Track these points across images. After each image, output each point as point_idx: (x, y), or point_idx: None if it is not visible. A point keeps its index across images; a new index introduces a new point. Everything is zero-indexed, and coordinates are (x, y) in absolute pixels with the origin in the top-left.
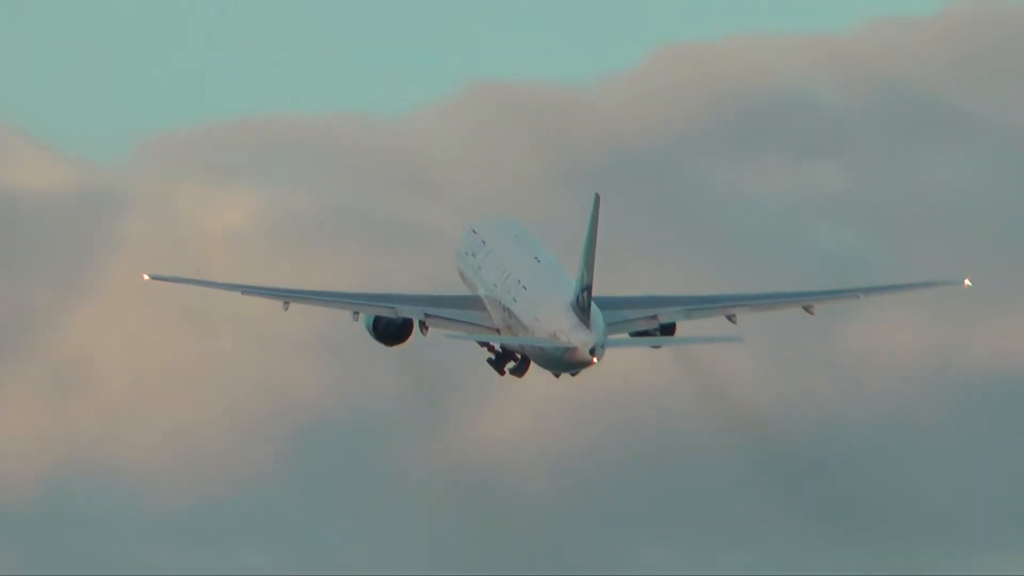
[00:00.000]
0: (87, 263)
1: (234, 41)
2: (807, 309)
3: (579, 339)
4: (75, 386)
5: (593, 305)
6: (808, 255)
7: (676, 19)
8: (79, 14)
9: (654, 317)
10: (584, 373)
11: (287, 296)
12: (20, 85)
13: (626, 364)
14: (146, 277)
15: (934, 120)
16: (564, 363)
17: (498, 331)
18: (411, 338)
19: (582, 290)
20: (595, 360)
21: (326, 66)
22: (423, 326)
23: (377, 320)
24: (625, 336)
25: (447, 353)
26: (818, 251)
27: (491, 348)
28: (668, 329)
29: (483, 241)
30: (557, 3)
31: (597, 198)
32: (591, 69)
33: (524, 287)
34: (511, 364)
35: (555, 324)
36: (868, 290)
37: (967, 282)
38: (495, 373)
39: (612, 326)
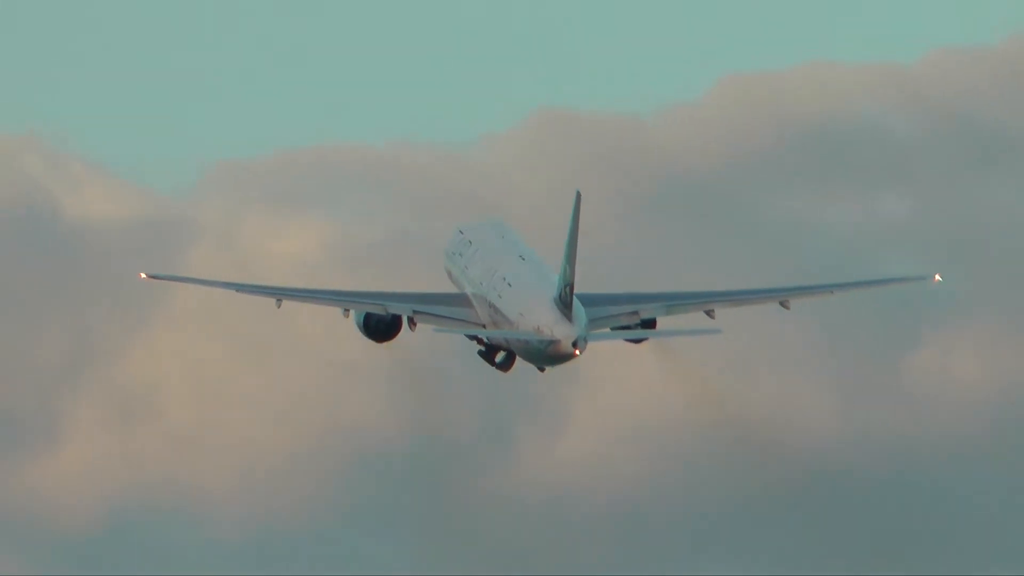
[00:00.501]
0: (155, 292)
1: (303, 70)
2: (783, 304)
3: (562, 332)
4: (143, 414)
5: (575, 300)
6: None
7: (741, 49)
8: (147, 45)
9: (635, 313)
10: (568, 365)
11: (280, 294)
12: (89, 115)
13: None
14: (143, 276)
15: (999, 149)
16: (548, 356)
17: (484, 326)
18: (400, 334)
19: (565, 286)
20: (577, 352)
21: (394, 95)
22: (411, 322)
23: (368, 317)
24: (607, 330)
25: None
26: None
27: (480, 341)
28: (649, 324)
29: (470, 241)
30: (624, 33)
31: (578, 196)
32: (658, 99)
33: (509, 284)
34: (501, 355)
35: (539, 318)
36: (841, 286)
37: (937, 277)
38: (487, 364)
39: (595, 321)
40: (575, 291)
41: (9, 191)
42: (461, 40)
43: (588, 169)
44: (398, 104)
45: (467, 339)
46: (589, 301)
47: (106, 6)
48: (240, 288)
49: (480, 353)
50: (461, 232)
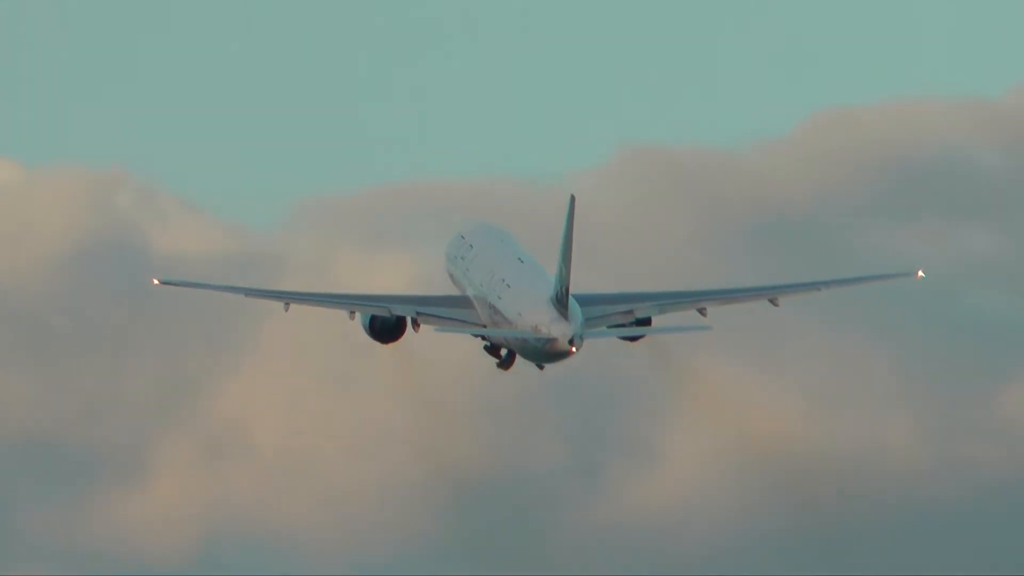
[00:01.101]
0: (243, 328)
1: (389, 107)
2: (772, 301)
3: (558, 331)
4: (233, 452)
5: (572, 300)
6: (961, 317)
7: (830, 84)
8: (237, 81)
9: (630, 312)
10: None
11: (287, 298)
12: (178, 151)
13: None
14: (156, 281)
15: None
16: (546, 353)
17: (485, 326)
18: (404, 336)
19: (561, 287)
20: (573, 350)
21: (481, 131)
22: (415, 323)
23: (373, 319)
24: (603, 328)
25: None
26: (970, 312)
27: (484, 338)
28: (643, 323)
29: (471, 245)
30: (713, 68)
31: (572, 199)
32: (746, 134)
33: (508, 285)
34: (502, 354)
35: (536, 318)
36: (828, 283)
37: (920, 273)
38: (492, 359)
39: (591, 320)
40: (571, 292)
41: (99, 227)
42: (549, 76)
43: (677, 204)
44: (486, 139)
45: (473, 338)
46: (585, 301)
47: (196, 44)
48: (248, 292)
49: (486, 348)
50: (463, 236)
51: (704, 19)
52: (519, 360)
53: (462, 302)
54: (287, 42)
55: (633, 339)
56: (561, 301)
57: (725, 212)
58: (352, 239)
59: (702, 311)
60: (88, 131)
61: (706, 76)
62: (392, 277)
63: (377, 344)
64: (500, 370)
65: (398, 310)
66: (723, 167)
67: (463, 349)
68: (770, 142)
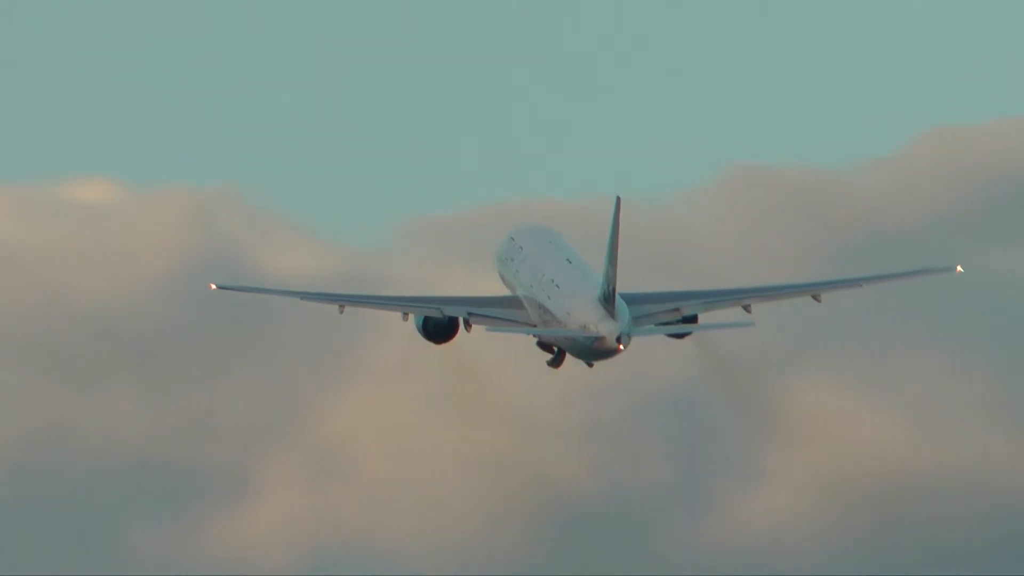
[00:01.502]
0: (348, 348)
1: (497, 127)
2: (815, 297)
3: (606, 329)
4: (340, 472)
5: (618, 298)
6: None
7: (940, 103)
8: (340, 100)
9: (677, 310)
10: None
11: (341, 300)
12: (283, 171)
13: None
14: (213, 286)
15: None
16: (594, 352)
17: (535, 326)
18: (457, 336)
19: (608, 286)
20: (621, 347)
21: (591, 150)
22: (467, 324)
23: (426, 320)
24: (650, 326)
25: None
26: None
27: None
28: (689, 320)
29: (520, 247)
30: (820, 87)
31: (618, 201)
32: (854, 154)
33: (557, 286)
34: (552, 353)
35: (585, 317)
36: (869, 279)
37: (959, 268)
38: (545, 353)
39: (638, 319)
40: (619, 291)
41: (204, 246)
42: (657, 95)
43: (785, 224)
44: (594, 159)
45: (530, 340)
46: (632, 300)
47: (303, 65)
48: (304, 296)
49: (538, 344)
50: (512, 238)
51: (811, 40)
52: (560, 358)
53: (513, 302)
54: (393, 63)
55: (680, 336)
56: (608, 300)
57: (831, 232)
58: (459, 258)
59: (747, 308)
60: (193, 150)
61: (815, 95)
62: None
63: (436, 346)
64: (552, 368)
65: (450, 311)
66: (830, 187)
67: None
68: (877, 162)
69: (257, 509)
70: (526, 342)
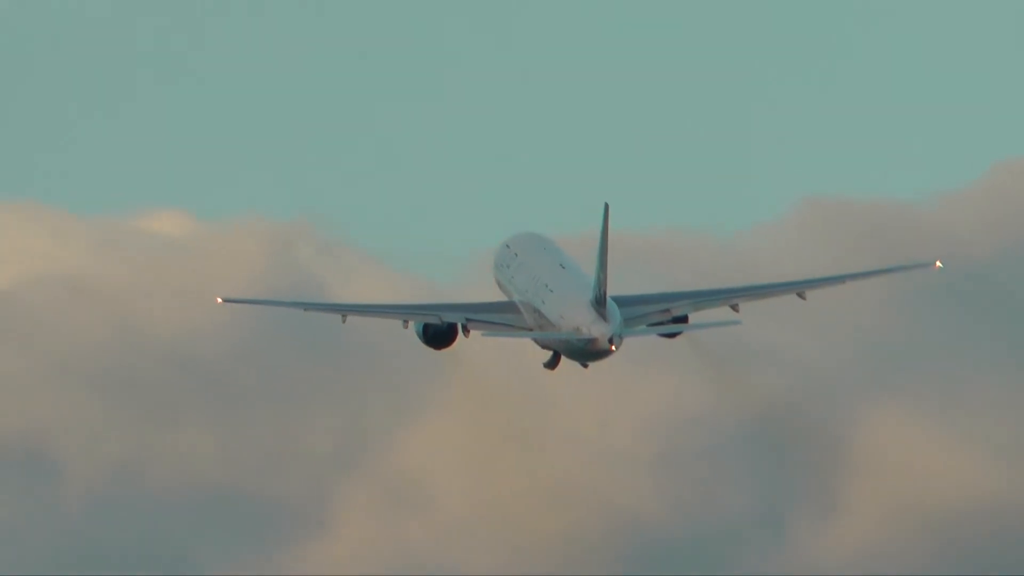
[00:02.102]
0: (426, 382)
1: (576, 161)
2: (800, 295)
3: (598, 331)
4: (418, 506)
5: (610, 301)
6: None
7: (1013, 136)
8: (416, 132)
9: (667, 310)
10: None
11: (344, 310)
12: (357, 203)
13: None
14: (219, 300)
15: None
16: (588, 352)
17: (531, 330)
18: (456, 342)
19: (599, 289)
20: (613, 348)
21: (666, 183)
22: (465, 329)
23: (426, 327)
24: (641, 327)
25: None
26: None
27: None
28: (680, 320)
29: (515, 254)
30: (894, 121)
31: (607, 208)
32: (929, 186)
33: (551, 290)
34: (548, 356)
35: (578, 319)
36: (852, 276)
37: (938, 264)
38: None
39: (629, 320)
40: (611, 294)
41: (278, 277)
42: (730, 129)
43: (859, 256)
44: (670, 192)
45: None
46: (624, 302)
47: (376, 101)
48: (307, 307)
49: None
50: (508, 246)
51: (886, 73)
52: (556, 360)
53: (509, 307)
54: (454, 100)
55: (671, 336)
56: (600, 303)
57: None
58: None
59: (734, 307)
60: (266, 182)
61: (888, 129)
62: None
63: (436, 352)
64: (548, 370)
65: (449, 317)
66: (905, 219)
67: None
68: (954, 194)
69: (332, 540)
70: (534, 349)
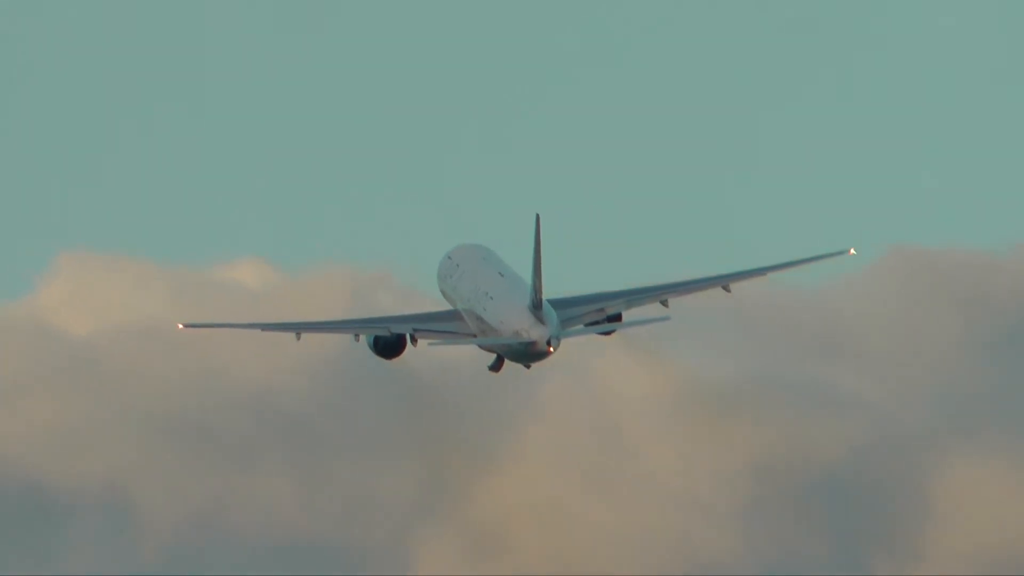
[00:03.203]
0: (512, 429)
1: (670, 204)
2: (724, 288)
3: (537, 334)
4: (503, 551)
5: (546, 304)
6: None
7: None
8: (498, 180)
9: (601, 310)
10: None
11: (298, 328)
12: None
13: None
14: (180, 326)
15: None
16: (529, 355)
17: (475, 336)
18: (405, 351)
19: (535, 295)
20: (551, 349)
21: (747, 232)
22: (413, 339)
23: (376, 339)
24: (578, 327)
25: None
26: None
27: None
28: (614, 319)
29: (457, 264)
30: (977, 169)
31: (538, 218)
32: (1014, 236)
33: (491, 297)
34: (492, 359)
35: (517, 324)
36: (772, 267)
37: (852, 251)
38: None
39: (566, 321)
40: (546, 297)
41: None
42: (814, 180)
43: (945, 307)
44: (749, 242)
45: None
46: (560, 304)
47: (456, 148)
48: (264, 327)
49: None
50: (449, 257)
51: (965, 122)
52: (500, 362)
53: (453, 316)
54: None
55: (607, 334)
56: (537, 307)
57: (989, 314)
58: (619, 341)
59: (664, 302)
60: (347, 231)
61: (973, 177)
62: (653, 379)
63: (388, 362)
64: (491, 372)
65: (397, 328)
66: (987, 269)
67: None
68: None
69: None
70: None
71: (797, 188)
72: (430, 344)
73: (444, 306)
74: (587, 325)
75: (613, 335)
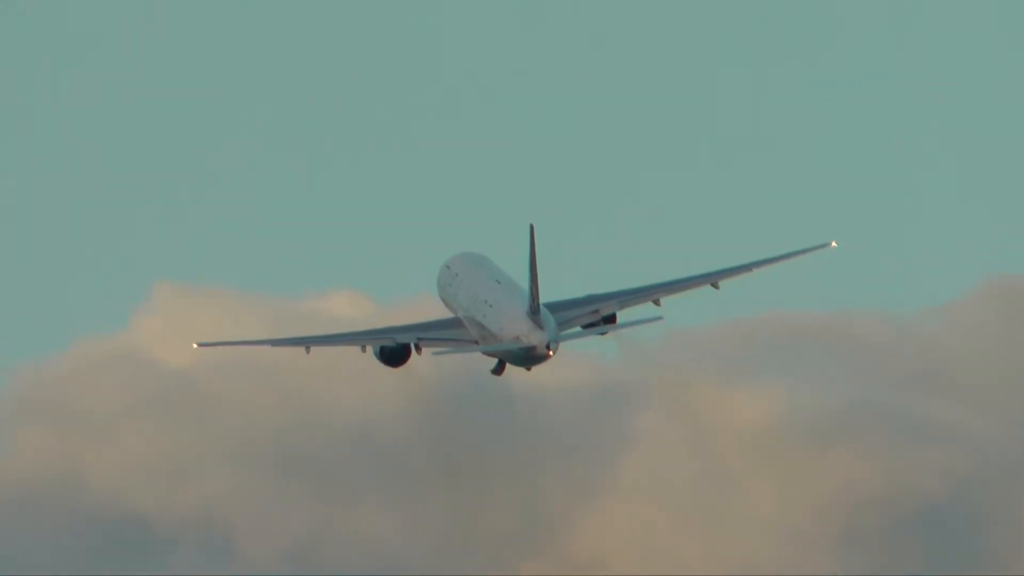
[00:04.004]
0: (600, 459)
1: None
2: (713, 285)
3: (536, 339)
4: None
5: (544, 309)
6: None
7: None
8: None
9: (596, 311)
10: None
11: (305, 343)
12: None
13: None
14: (195, 345)
15: None
16: (529, 359)
17: (476, 342)
18: (411, 360)
19: (532, 301)
20: (551, 353)
21: (842, 264)
22: (417, 347)
23: (382, 349)
24: (575, 329)
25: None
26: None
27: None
28: (609, 320)
29: (455, 273)
30: None
31: (532, 228)
32: None
33: (490, 305)
34: (493, 363)
35: (516, 330)
36: (757, 263)
37: (833, 244)
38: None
39: (564, 323)
40: (542, 302)
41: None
42: (906, 210)
43: None
44: (843, 271)
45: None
46: (556, 308)
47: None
48: (274, 343)
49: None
50: (448, 267)
51: None
52: (501, 367)
53: (455, 323)
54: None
55: (603, 334)
56: (535, 312)
57: None
58: (709, 372)
59: (656, 302)
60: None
61: None
62: (748, 411)
63: (394, 370)
64: (495, 376)
65: (401, 338)
66: None
67: None
68: None
69: None
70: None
71: (903, 219)
72: (433, 354)
73: (447, 314)
74: (584, 328)
75: (608, 335)
